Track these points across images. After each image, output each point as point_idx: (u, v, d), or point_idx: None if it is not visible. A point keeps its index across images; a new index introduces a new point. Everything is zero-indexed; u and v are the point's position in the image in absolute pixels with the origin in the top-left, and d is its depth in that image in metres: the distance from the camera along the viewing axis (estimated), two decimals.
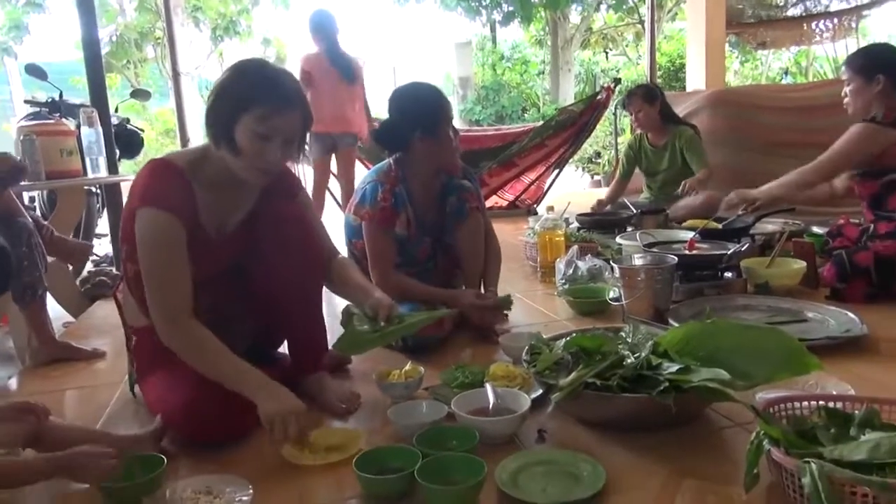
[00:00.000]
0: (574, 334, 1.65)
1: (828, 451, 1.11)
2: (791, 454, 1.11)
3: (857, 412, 1.26)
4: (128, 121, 4.34)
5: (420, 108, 2.18)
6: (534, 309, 2.57)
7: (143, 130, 4.51)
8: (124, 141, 4.14)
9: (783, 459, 1.10)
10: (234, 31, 14.78)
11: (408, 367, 1.74)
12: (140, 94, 4.80)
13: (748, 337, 1.46)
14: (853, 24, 10.80)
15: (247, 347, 1.72)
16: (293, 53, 15.15)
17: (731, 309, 2.29)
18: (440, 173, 2.32)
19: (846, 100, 2.63)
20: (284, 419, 1.37)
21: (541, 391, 1.61)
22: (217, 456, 1.46)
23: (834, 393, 1.55)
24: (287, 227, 1.68)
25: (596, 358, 1.52)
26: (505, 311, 2.28)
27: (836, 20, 9.73)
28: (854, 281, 2.33)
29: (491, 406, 1.50)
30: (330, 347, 1.74)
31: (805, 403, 1.32)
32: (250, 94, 1.46)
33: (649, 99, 3.94)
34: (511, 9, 14.06)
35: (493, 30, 15.74)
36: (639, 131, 4.14)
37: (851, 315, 2.07)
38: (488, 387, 1.56)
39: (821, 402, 1.30)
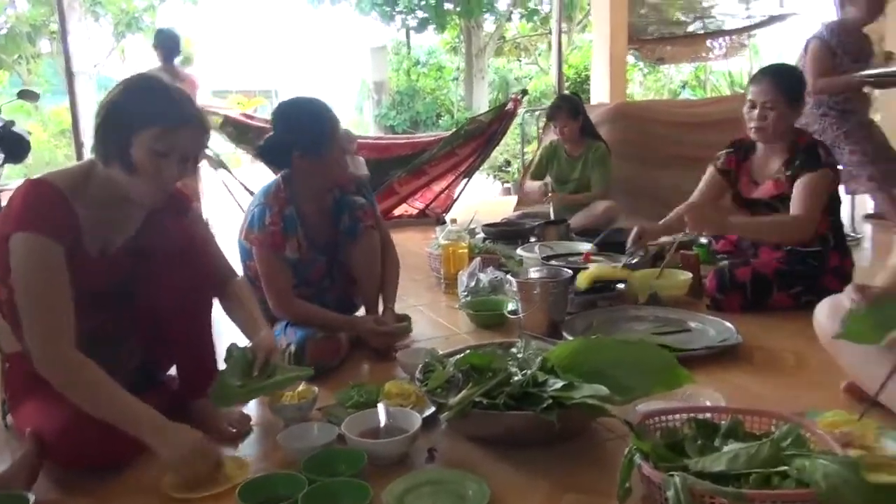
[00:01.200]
0: (468, 351, 1.68)
1: (693, 464, 1.19)
2: (659, 467, 1.17)
3: (723, 423, 1.35)
4: (13, 123, 4.08)
5: (303, 126, 2.10)
6: (436, 322, 2.60)
7: (30, 133, 4.25)
8: (8, 144, 3.89)
9: (651, 473, 1.16)
10: (138, 27, 14.13)
11: (301, 387, 1.72)
12: (27, 96, 4.53)
13: (628, 352, 1.53)
14: (745, 42, 11.52)
15: (133, 369, 1.66)
16: (201, 52, 14.63)
17: (621, 320, 2.39)
18: (332, 189, 2.27)
19: (754, 123, 2.44)
20: (188, 462, 1.35)
21: (433, 409, 1.63)
22: (94, 488, 1.40)
23: (708, 404, 1.65)
24: (175, 246, 1.63)
25: (486, 376, 1.55)
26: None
27: (729, 38, 10.35)
28: (732, 293, 2.48)
29: (382, 426, 1.51)
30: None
31: (677, 416, 1.40)
32: (148, 111, 1.43)
33: (574, 115, 4.06)
34: (426, 15, 14.15)
35: (407, 35, 15.76)
36: (557, 139, 4.24)
37: (728, 325, 2.20)
38: (380, 407, 1.56)
39: (691, 414, 1.38)
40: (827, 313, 1.66)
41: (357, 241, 2.26)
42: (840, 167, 2.87)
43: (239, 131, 5.13)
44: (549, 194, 3.94)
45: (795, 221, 2.36)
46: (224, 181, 5.24)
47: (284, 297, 2.15)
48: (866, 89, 3.78)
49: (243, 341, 1.68)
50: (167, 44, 4.80)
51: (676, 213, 2.62)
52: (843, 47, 3.45)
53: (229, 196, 5.32)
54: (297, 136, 2.09)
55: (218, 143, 5.63)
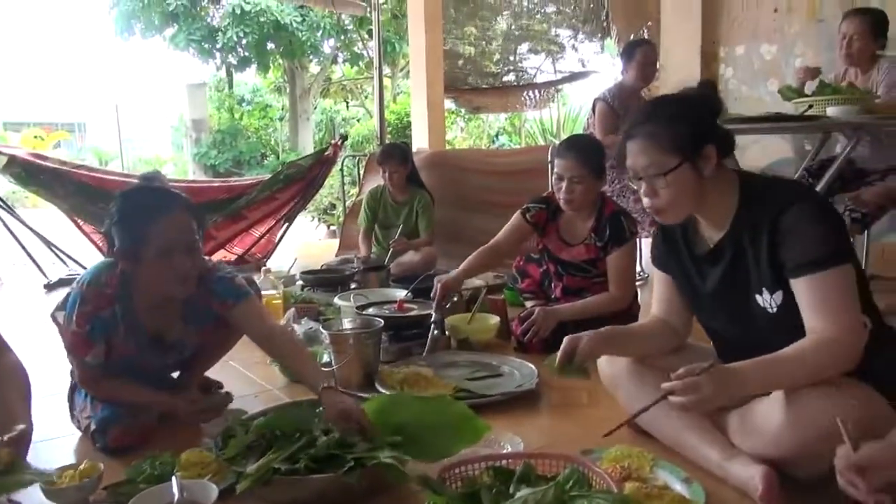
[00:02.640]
0: (269, 414, 1.62)
1: None
2: None
3: (518, 468, 1.42)
4: None
5: (123, 221, 1.77)
6: (247, 378, 2.49)
7: None
8: None
9: None
10: None
11: (84, 464, 1.56)
12: None
13: (429, 409, 1.58)
14: (554, 95, 12.54)
15: None
16: None
17: (437, 367, 2.44)
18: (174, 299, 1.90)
19: (570, 196, 2.57)
20: None
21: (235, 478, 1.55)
22: None
23: (507, 448, 1.73)
24: None
25: (293, 438, 1.51)
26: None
27: (538, 91, 11.21)
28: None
29: (175, 502, 1.40)
30: None
31: (476, 465, 1.45)
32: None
33: (403, 161, 4.16)
34: (247, 54, 13.88)
35: (229, 73, 15.34)
36: (381, 184, 4.30)
37: (531, 367, 2.34)
38: (173, 480, 1.46)
39: (489, 463, 1.44)
40: (605, 361, 1.83)
41: (221, 330, 2.06)
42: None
43: (28, 172, 4.63)
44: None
45: (614, 299, 2.60)
46: (9, 227, 4.71)
47: (91, 383, 1.91)
48: None
49: None
50: None
51: (474, 257, 2.73)
52: (624, 108, 3.87)
53: (17, 247, 4.79)
54: (120, 239, 1.77)
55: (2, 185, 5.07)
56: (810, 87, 3.27)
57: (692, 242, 1.67)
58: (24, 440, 1.42)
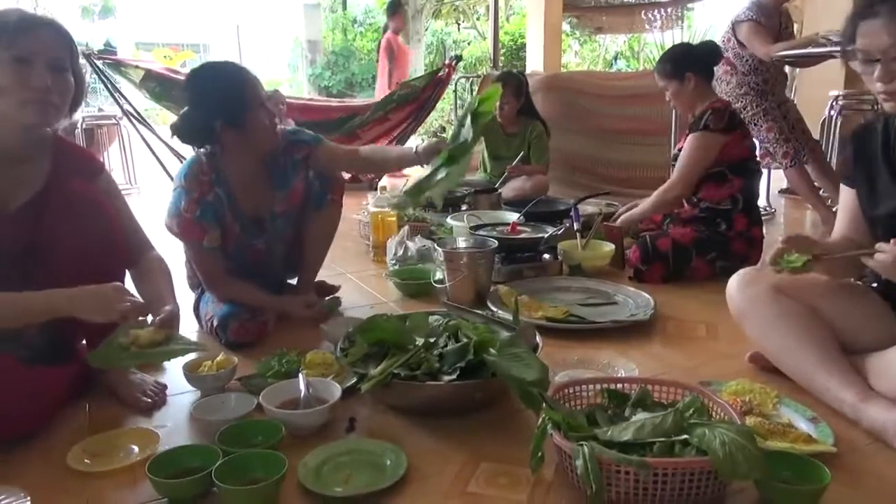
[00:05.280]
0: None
1: (602, 433, 1.22)
2: (569, 437, 1.21)
3: (633, 392, 1.40)
4: None
5: (220, 94, 1.94)
6: (363, 290, 2.58)
7: None
8: None
9: (561, 442, 1.19)
10: None
11: (220, 357, 1.69)
12: None
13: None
14: (680, 15, 11.73)
15: (46, 341, 1.59)
16: (125, 1, 13.84)
17: (547, 290, 2.43)
18: (265, 157, 2.09)
19: (671, 102, 2.82)
20: (106, 306, 1.40)
21: (355, 379, 1.62)
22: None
23: (622, 373, 1.72)
24: (82, 211, 1.55)
25: (409, 347, 1.56)
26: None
27: (665, 11, 10.51)
28: (654, 264, 2.56)
29: (302, 397, 1.50)
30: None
31: (591, 386, 1.44)
32: None
33: (517, 94, 4.06)
34: None
35: None
36: (493, 112, 4.24)
37: (647, 297, 2.28)
38: (300, 377, 1.55)
39: (604, 385, 1.43)
40: (737, 287, 1.73)
41: (320, 213, 2.21)
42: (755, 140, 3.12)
43: (163, 87, 4.88)
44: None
45: (665, 188, 2.72)
46: (147, 141, 5.03)
47: (212, 278, 2.06)
48: (786, 69, 3.91)
49: None
50: None
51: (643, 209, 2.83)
52: (767, 25, 3.56)
53: (154, 159, 5.12)
54: (215, 106, 1.93)
55: (140, 101, 5.39)
56: None
57: (893, 144, 1.54)
58: (174, 319, 1.54)
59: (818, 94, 4.42)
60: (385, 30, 6.63)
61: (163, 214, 2.02)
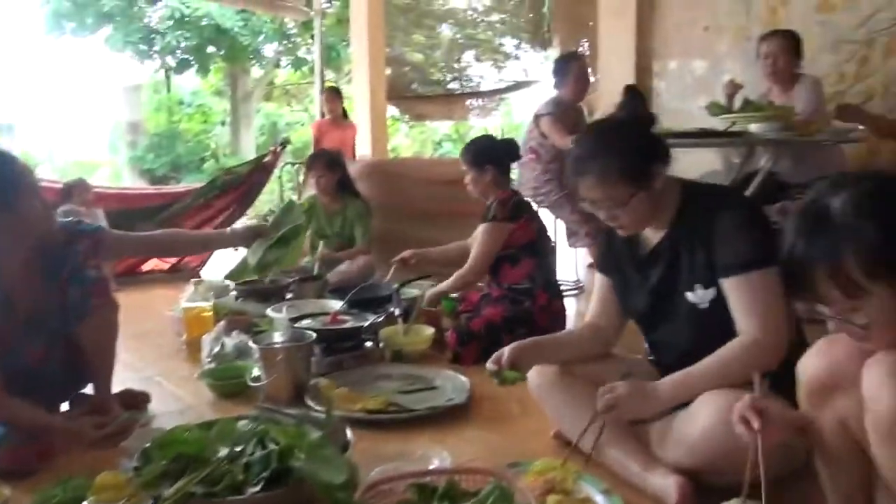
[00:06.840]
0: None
1: None
2: None
3: (440, 485, 1.41)
4: None
5: None
6: (173, 394, 2.42)
7: None
8: None
9: None
10: None
11: None
12: None
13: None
14: (498, 103, 12.69)
15: None
16: None
17: (368, 380, 2.42)
18: (35, 245, 1.93)
19: (469, 187, 3.00)
20: None
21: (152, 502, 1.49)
22: None
23: (435, 463, 1.73)
24: None
25: (211, 460, 1.47)
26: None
27: (482, 100, 11.31)
28: (469, 344, 2.65)
29: None
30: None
31: (403, 482, 1.44)
32: None
33: (331, 167, 4.08)
34: (187, 56, 13.54)
35: (167, 75, 14.91)
36: (313, 192, 4.24)
37: (464, 379, 2.34)
38: None
39: (411, 480, 1.43)
40: (532, 376, 1.84)
41: (89, 322, 1.99)
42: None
43: None
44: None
45: (461, 272, 2.91)
46: None
47: None
48: None
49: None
50: None
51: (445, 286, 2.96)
52: (564, 119, 3.94)
53: None
54: None
55: None
56: (738, 101, 3.39)
57: (634, 244, 1.73)
58: None
59: None
60: None
61: None
